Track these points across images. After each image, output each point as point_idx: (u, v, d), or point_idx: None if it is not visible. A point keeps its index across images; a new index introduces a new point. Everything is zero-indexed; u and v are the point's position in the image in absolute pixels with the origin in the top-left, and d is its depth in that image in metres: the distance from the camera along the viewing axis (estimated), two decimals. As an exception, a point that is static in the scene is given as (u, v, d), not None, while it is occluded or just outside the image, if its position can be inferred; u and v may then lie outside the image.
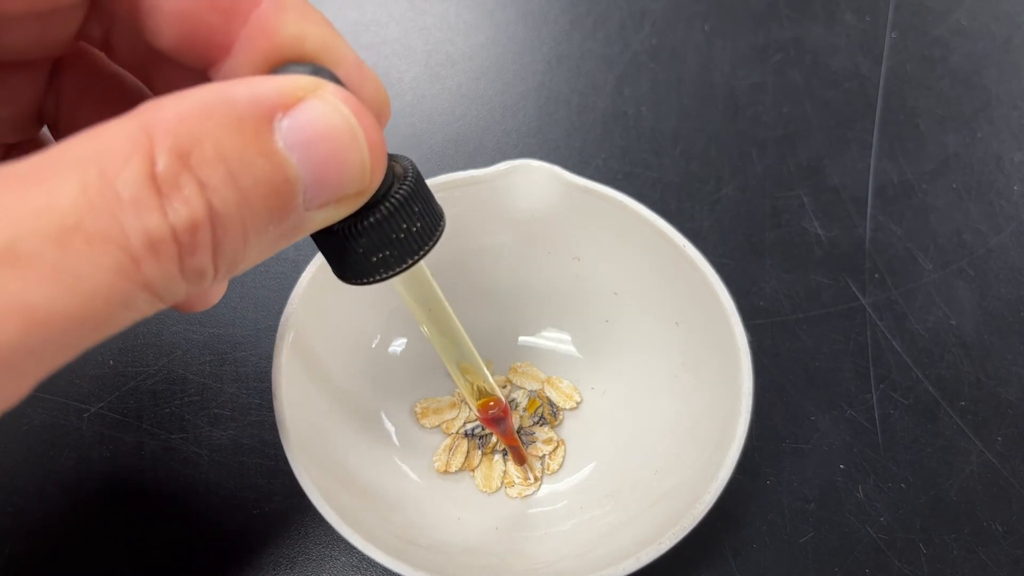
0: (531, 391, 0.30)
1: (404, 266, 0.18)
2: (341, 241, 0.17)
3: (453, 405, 0.30)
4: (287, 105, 0.13)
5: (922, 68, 0.41)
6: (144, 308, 0.13)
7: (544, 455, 0.29)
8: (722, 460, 0.23)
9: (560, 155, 0.37)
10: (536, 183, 0.27)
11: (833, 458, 0.30)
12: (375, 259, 0.17)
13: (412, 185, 0.17)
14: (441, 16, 0.42)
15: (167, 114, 0.12)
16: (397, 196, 0.17)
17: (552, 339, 0.31)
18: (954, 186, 0.37)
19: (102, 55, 0.19)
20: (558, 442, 0.29)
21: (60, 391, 0.30)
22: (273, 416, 0.23)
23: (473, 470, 0.29)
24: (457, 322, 0.23)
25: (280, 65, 0.15)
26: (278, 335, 0.24)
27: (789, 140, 0.38)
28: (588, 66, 0.40)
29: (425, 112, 0.39)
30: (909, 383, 0.31)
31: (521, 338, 0.31)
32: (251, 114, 0.13)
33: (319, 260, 0.26)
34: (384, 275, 0.18)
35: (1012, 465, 0.30)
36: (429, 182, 0.27)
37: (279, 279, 0.33)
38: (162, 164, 0.12)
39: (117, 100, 0.19)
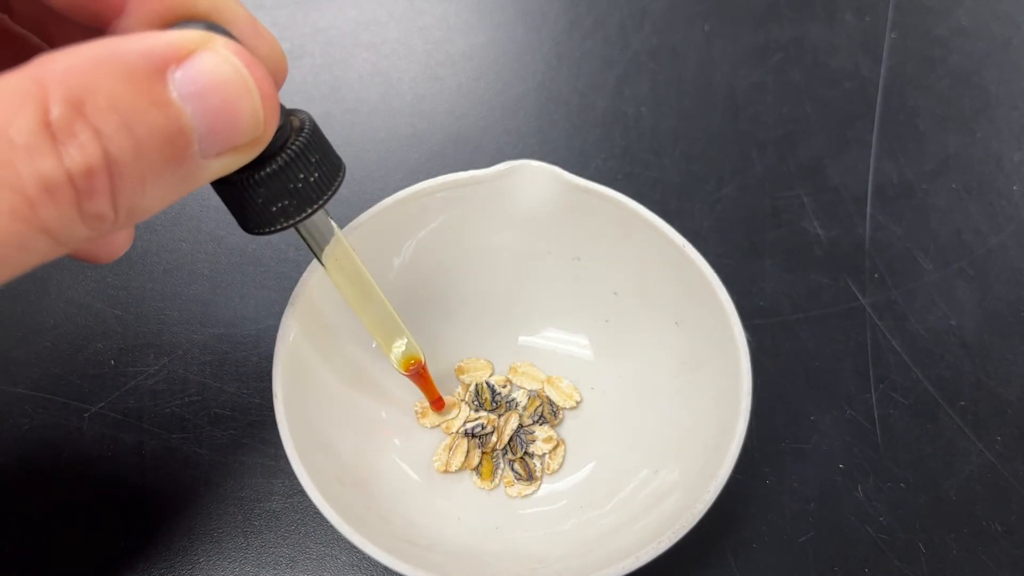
0: (531, 391, 0.30)
1: (303, 215, 0.19)
2: (240, 192, 0.18)
3: (453, 405, 0.30)
4: (179, 57, 0.14)
5: (922, 68, 0.41)
6: (44, 250, 0.13)
7: (544, 454, 0.29)
8: (722, 460, 0.23)
9: (560, 155, 0.37)
10: (536, 183, 0.27)
11: (833, 458, 0.30)
12: (274, 208, 0.18)
13: (308, 136, 0.18)
14: (441, 16, 0.42)
15: (59, 66, 0.13)
16: (294, 147, 0.18)
17: (552, 339, 0.31)
18: (954, 186, 0.37)
19: (4, 17, 0.19)
20: (558, 442, 0.29)
21: (60, 391, 0.30)
22: (273, 416, 0.23)
23: (473, 469, 0.29)
24: (376, 287, 0.24)
25: (174, 23, 0.16)
26: (279, 335, 0.24)
27: (789, 140, 0.38)
28: (588, 66, 0.40)
29: (425, 112, 0.39)
30: (909, 383, 0.31)
31: (521, 338, 0.31)
32: (143, 66, 0.13)
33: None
34: (284, 224, 0.19)
35: (1012, 465, 0.30)
36: (429, 182, 0.27)
37: (280, 279, 0.33)
38: (56, 112, 0.12)
39: (13, 58, 0.19)
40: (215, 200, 0.36)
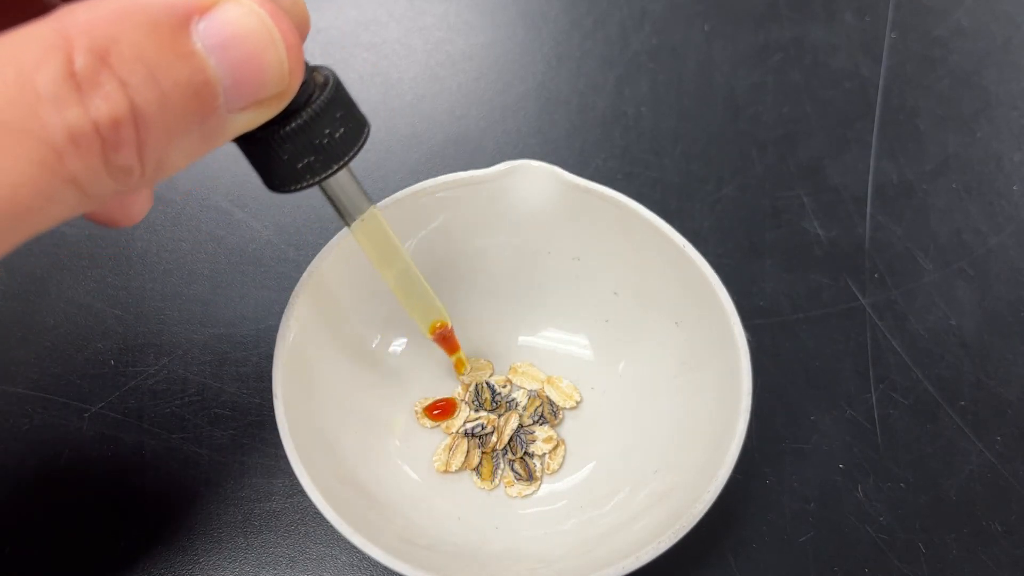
0: (531, 391, 0.30)
1: (329, 171, 0.18)
2: (266, 148, 0.17)
3: (454, 405, 0.30)
4: (203, 8, 0.14)
5: (922, 68, 0.41)
6: (71, 202, 0.13)
7: (544, 454, 0.29)
8: (722, 460, 0.23)
9: (560, 155, 0.37)
10: (536, 183, 0.27)
11: (833, 458, 0.30)
12: (300, 165, 0.18)
13: (333, 92, 0.18)
14: (441, 16, 0.42)
15: (83, 17, 0.12)
16: (319, 102, 0.17)
17: (552, 339, 0.31)
18: (954, 186, 0.37)
19: None
20: (558, 442, 0.29)
21: (60, 391, 0.30)
22: (273, 416, 0.23)
23: (473, 470, 0.29)
24: (403, 249, 0.24)
25: None
26: (278, 335, 0.24)
27: (789, 140, 0.38)
28: (588, 66, 0.40)
29: (425, 112, 0.39)
30: (909, 383, 0.31)
31: (521, 338, 0.31)
32: (167, 17, 0.13)
33: (320, 261, 0.26)
34: (310, 180, 0.18)
35: (1012, 465, 0.30)
36: (429, 182, 0.27)
37: (280, 279, 0.33)
38: (80, 62, 0.12)
39: (25, 19, 0.19)
40: (215, 200, 0.36)
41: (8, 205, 0.12)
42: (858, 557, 0.28)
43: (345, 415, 0.27)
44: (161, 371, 0.31)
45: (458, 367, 0.30)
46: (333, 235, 0.26)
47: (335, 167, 0.19)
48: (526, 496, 0.28)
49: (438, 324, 0.27)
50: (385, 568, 0.22)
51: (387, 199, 0.27)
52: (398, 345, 0.30)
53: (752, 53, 0.41)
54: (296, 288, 0.25)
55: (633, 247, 0.28)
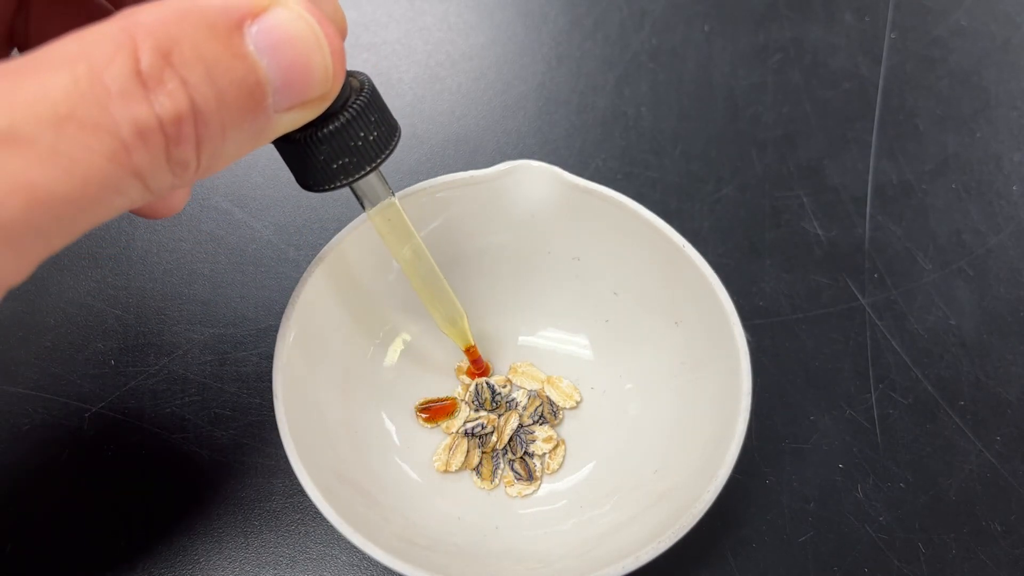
0: (531, 391, 0.30)
1: (362, 172, 0.19)
2: (304, 149, 0.18)
3: (455, 406, 0.30)
4: (255, 12, 0.14)
5: (921, 68, 0.41)
6: (133, 195, 0.14)
7: (544, 454, 0.29)
8: (722, 460, 0.23)
9: (560, 155, 0.37)
10: (536, 184, 0.27)
11: (832, 458, 0.30)
12: (335, 166, 0.19)
13: (369, 96, 0.19)
14: (441, 16, 0.42)
15: (146, 18, 0.13)
16: (355, 106, 0.18)
17: (552, 339, 0.31)
18: (953, 186, 0.37)
19: None
20: (558, 441, 0.29)
21: (60, 391, 0.30)
22: (273, 416, 0.23)
23: (473, 469, 0.29)
24: (425, 249, 0.25)
25: None
26: (279, 335, 0.24)
27: (789, 140, 0.38)
28: (588, 66, 0.40)
29: (425, 112, 0.39)
30: (909, 383, 0.31)
31: (521, 338, 0.31)
32: (223, 20, 0.14)
33: (320, 261, 0.26)
34: (344, 181, 0.19)
35: (1011, 465, 0.30)
36: (429, 182, 0.27)
37: (280, 279, 0.33)
38: (146, 61, 0.13)
39: (85, 20, 0.20)
40: (215, 200, 0.36)
41: (79, 196, 0.13)
42: (858, 557, 0.28)
43: (345, 415, 0.27)
44: (161, 371, 0.31)
45: (481, 372, 0.30)
46: (333, 235, 0.26)
47: (368, 168, 0.19)
48: (526, 496, 0.28)
49: (469, 347, 0.28)
50: (385, 568, 0.22)
51: (387, 199, 0.27)
52: (398, 345, 0.30)
53: (752, 53, 0.41)
54: (297, 288, 0.25)
55: (633, 247, 0.28)
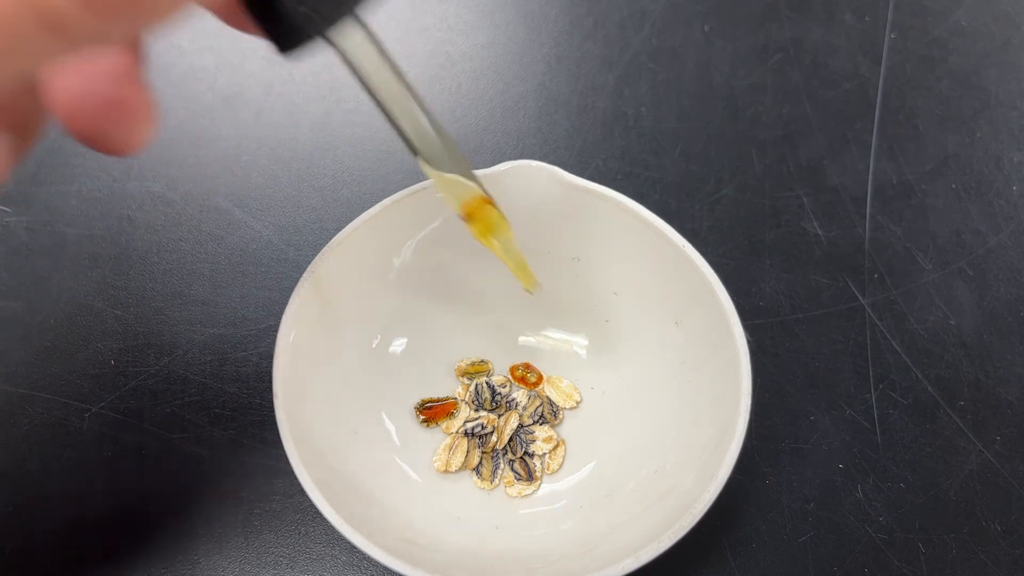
0: (531, 391, 0.30)
1: (335, 18, 0.17)
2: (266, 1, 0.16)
3: (455, 406, 0.30)
4: None
5: (921, 68, 0.41)
6: (48, 44, 0.12)
7: (544, 454, 0.29)
8: (721, 459, 0.23)
9: (560, 155, 0.37)
10: (536, 183, 0.27)
11: (832, 458, 0.30)
12: (302, 9, 0.16)
13: None
14: (441, 17, 0.42)
15: None
16: None
17: (552, 339, 0.31)
18: (953, 186, 0.37)
19: None
20: (558, 441, 0.29)
21: (60, 391, 0.30)
22: (273, 416, 0.23)
23: (473, 469, 0.29)
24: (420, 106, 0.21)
25: None
26: (279, 335, 0.24)
27: (789, 140, 0.38)
28: (588, 66, 0.40)
29: (425, 112, 0.38)
30: (908, 383, 0.31)
31: (521, 338, 0.31)
32: None
33: (320, 261, 0.26)
34: (316, 29, 0.17)
35: (1011, 465, 0.30)
36: (429, 182, 0.27)
37: (279, 280, 0.33)
38: None
39: None
40: (215, 200, 0.36)
41: None
42: (857, 557, 0.28)
43: (345, 415, 0.27)
44: (161, 371, 0.31)
45: (527, 281, 0.26)
46: (333, 235, 0.26)
47: (343, 9, 0.17)
48: (526, 496, 0.28)
49: (472, 199, 0.23)
50: (385, 568, 0.22)
51: (387, 199, 0.27)
52: (398, 345, 0.30)
53: (752, 53, 0.41)
54: (296, 288, 0.25)
55: (633, 247, 0.28)
